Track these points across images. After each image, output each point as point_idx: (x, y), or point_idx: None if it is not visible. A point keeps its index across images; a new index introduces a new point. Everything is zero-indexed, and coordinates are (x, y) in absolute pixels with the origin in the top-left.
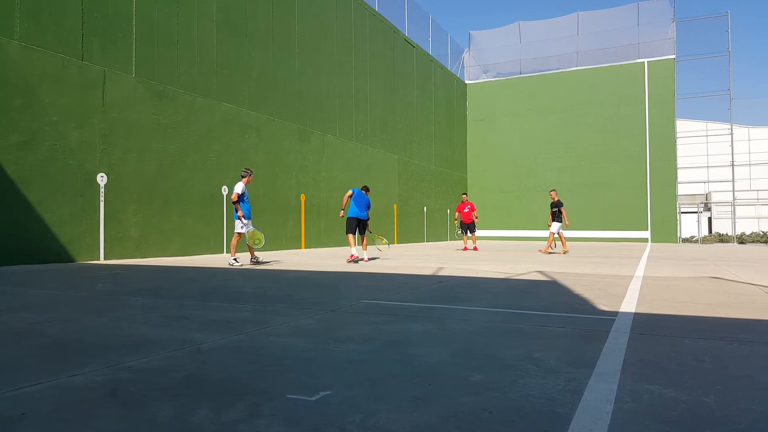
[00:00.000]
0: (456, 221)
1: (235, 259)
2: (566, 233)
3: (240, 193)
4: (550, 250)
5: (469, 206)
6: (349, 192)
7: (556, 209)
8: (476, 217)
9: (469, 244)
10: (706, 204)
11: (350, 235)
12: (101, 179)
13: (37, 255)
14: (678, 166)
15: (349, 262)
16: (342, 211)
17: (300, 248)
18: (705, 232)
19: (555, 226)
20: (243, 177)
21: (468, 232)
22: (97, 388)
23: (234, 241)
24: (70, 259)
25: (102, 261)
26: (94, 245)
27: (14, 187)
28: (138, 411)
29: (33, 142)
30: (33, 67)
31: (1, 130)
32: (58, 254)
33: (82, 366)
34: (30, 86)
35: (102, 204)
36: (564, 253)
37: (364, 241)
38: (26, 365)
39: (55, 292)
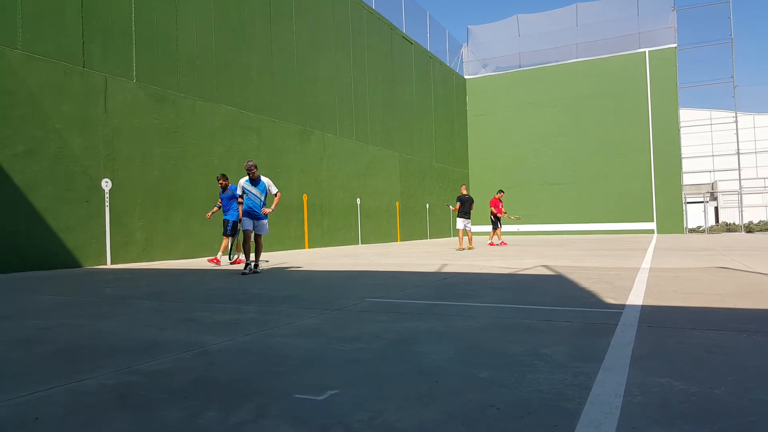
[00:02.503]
0: (492, 215)
1: (250, 263)
2: (574, 226)
3: (240, 194)
4: (463, 246)
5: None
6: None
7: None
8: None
9: (494, 239)
10: (712, 193)
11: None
12: (106, 185)
13: (44, 261)
14: (682, 155)
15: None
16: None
17: (303, 248)
18: (711, 221)
19: (460, 222)
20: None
21: (498, 225)
22: (107, 391)
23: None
24: (77, 265)
25: (109, 265)
26: (101, 250)
27: (21, 195)
28: (148, 414)
29: (37, 150)
30: (35, 76)
31: (6, 139)
32: (66, 260)
33: (92, 370)
34: (33, 95)
35: (107, 209)
36: (460, 249)
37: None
38: (38, 370)
39: (64, 298)
